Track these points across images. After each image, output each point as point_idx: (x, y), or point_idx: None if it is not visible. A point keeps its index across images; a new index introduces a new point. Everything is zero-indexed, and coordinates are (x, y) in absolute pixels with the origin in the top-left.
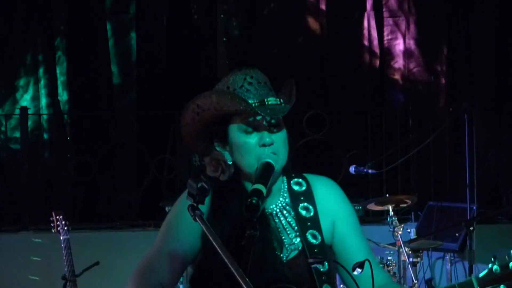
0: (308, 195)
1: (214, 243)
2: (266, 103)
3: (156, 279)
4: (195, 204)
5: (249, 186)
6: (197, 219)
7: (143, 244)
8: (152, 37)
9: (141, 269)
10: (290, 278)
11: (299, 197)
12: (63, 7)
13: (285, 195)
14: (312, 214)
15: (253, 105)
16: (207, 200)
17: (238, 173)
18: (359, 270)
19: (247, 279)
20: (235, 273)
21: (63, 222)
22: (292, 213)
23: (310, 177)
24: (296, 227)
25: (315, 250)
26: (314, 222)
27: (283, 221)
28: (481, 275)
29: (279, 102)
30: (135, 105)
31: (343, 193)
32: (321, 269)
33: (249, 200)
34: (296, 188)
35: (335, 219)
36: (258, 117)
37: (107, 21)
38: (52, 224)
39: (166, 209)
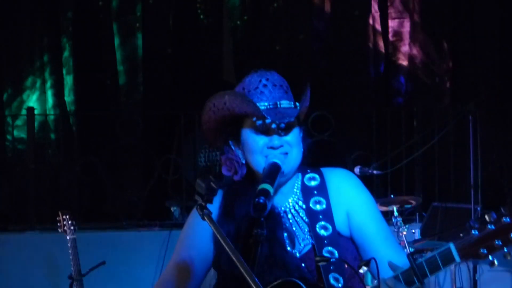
0: (321, 189)
1: (222, 243)
2: (279, 105)
3: (177, 285)
4: (203, 203)
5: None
6: (206, 218)
7: (149, 244)
8: (158, 38)
9: (160, 284)
10: (303, 274)
11: (312, 192)
12: (70, 8)
13: (298, 191)
14: (324, 206)
15: (266, 107)
16: (219, 198)
17: (251, 174)
18: (365, 268)
19: (255, 277)
20: (243, 271)
21: (69, 222)
22: (304, 206)
23: (326, 170)
24: (308, 221)
25: (325, 241)
26: (325, 214)
27: (297, 218)
28: (459, 240)
29: (292, 106)
30: (141, 105)
31: (359, 182)
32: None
33: (256, 199)
34: (309, 183)
35: (349, 209)
36: (267, 121)
37: (114, 22)
38: (58, 224)
39: (172, 209)
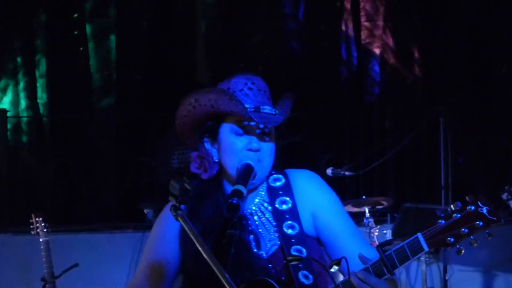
0: (286, 189)
1: (196, 243)
2: (262, 110)
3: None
4: (177, 205)
5: (228, 187)
6: (180, 219)
7: (122, 246)
8: (131, 40)
9: (135, 281)
10: (270, 274)
11: (277, 192)
12: (43, 10)
13: (263, 193)
14: (290, 206)
15: (249, 110)
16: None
17: (220, 173)
18: (335, 267)
19: (229, 278)
20: (217, 272)
21: (42, 224)
22: (270, 208)
23: (290, 171)
24: (274, 223)
25: (292, 240)
26: (292, 214)
27: (262, 218)
28: (426, 230)
29: (274, 113)
30: (114, 107)
31: (323, 182)
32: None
33: (230, 200)
34: (275, 184)
35: (314, 209)
36: (252, 123)
37: (87, 24)
38: (31, 226)
39: (145, 211)
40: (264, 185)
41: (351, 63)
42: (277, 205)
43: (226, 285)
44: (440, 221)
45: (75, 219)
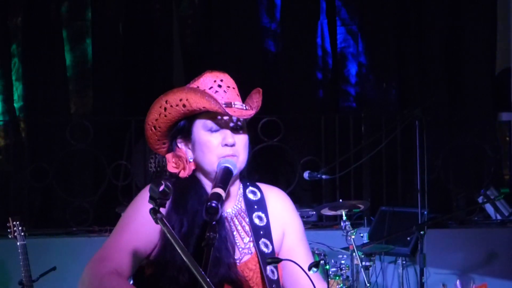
0: (261, 205)
1: (175, 245)
2: (233, 106)
3: (112, 267)
4: (156, 208)
5: (206, 186)
6: (159, 222)
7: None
8: (108, 44)
9: (97, 257)
10: (241, 280)
11: (253, 206)
12: (19, 14)
13: (240, 201)
14: (264, 223)
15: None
16: None
17: (197, 171)
18: (314, 269)
19: (207, 278)
20: (195, 273)
21: (19, 228)
22: (247, 219)
23: (264, 187)
24: (250, 234)
25: (267, 259)
26: (266, 232)
27: (238, 226)
28: None
29: (244, 108)
30: (91, 111)
31: (293, 205)
32: (272, 277)
33: (209, 203)
34: (250, 196)
35: (285, 228)
36: (226, 117)
37: (63, 28)
38: (8, 230)
39: (122, 215)
40: (242, 193)
41: (327, 67)
42: (254, 219)
43: (205, 286)
44: None
45: (52, 222)
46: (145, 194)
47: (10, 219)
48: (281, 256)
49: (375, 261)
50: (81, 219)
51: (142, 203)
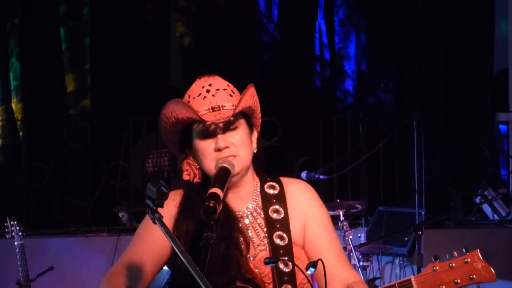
0: (280, 198)
1: (173, 245)
2: (221, 108)
3: (125, 282)
4: (154, 208)
5: None
6: (156, 222)
7: (97, 250)
8: (106, 43)
9: (112, 273)
10: (255, 277)
11: (271, 200)
12: (17, 13)
13: (257, 198)
14: (282, 216)
15: (206, 111)
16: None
17: (207, 176)
18: (312, 269)
19: (205, 280)
20: (194, 274)
21: (17, 228)
22: (263, 214)
23: (285, 180)
24: (265, 229)
25: (280, 251)
26: (283, 224)
27: (253, 224)
28: (420, 274)
29: (233, 107)
30: (89, 111)
31: (316, 195)
32: (285, 270)
33: (206, 204)
34: (269, 191)
35: (306, 220)
36: (209, 123)
37: (61, 27)
38: (6, 230)
39: (120, 215)
40: (259, 190)
41: (324, 68)
42: (269, 213)
43: (202, 285)
44: (433, 267)
45: (49, 222)
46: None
47: (7, 219)
48: (306, 248)
49: (373, 261)
50: (78, 219)
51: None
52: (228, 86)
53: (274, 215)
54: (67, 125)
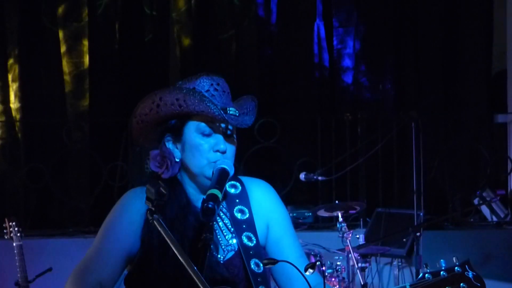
0: (243, 198)
1: (172, 246)
2: (228, 111)
3: (95, 278)
4: (153, 209)
5: (190, 187)
6: (155, 223)
7: None
8: (104, 45)
9: (79, 270)
10: (227, 278)
11: (234, 200)
12: (15, 14)
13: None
14: (247, 216)
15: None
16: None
17: (182, 172)
18: (311, 270)
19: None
20: (193, 275)
21: (16, 229)
22: (228, 214)
23: (246, 179)
24: (232, 229)
25: (251, 252)
26: (249, 225)
27: (220, 223)
28: (413, 282)
29: (237, 114)
30: (87, 112)
31: (278, 196)
32: (257, 271)
33: (205, 204)
34: (231, 190)
35: (269, 221)
36: (223, 124)
37: (59, 29)
38: (5, 231)
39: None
40: None
41: (323, 69)
42: (235, 213)
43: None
44: (427, 276)
45: (48, 223)
46: (124, 200)
47: (6, 219)
48: (267, 249)
49: (371, 263)
50: (77, 219)
51: (122, 209)
52: (229, 90)
53: (239, 215)
54: (65, 126)
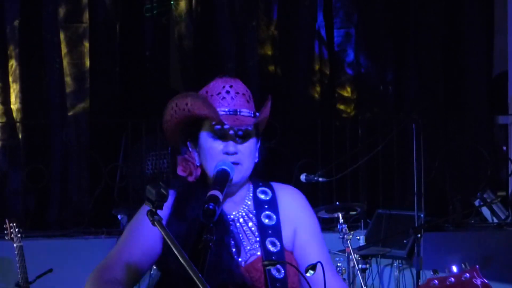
0: (272, 204)
1: (172, 247)
2: (239, 113)
3: (114, 278)
4: (154, 210)
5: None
6: (156, 224)
7: (96, 252)
8: (105, 46)
9: (100, 269)
10: (246, 282)
11: (263, 205)
12: (16, 15)
13: (249, 202)
14: (274, 222)
15: (225, 113)
16: (172, 198)
17: (204, 177)
18: (311, 272)
19: (204, 281)
20: (193, 276)
21: (16, 229)
22: (255, 220)
23: (276, 185)
24: (257, 233)
25: (273, 257)
26: (275, 230)
27: (245, 227)
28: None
29: (252, 115)
30: (88, 113)
31: (307, 202)
32: (277, 276)
33: (206, 206)
34: (261, 196)
35: (297, 226)
36: (226, 126)
37: (60, 30)
38: (5, 232)
39: (118, 216)
40: (251, 195)
41: (324, 70)
42: (262, 218)
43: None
44: (434, 281)
45: (48, 224)
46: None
47: (6, 220)
48: (295, 254)
49: (372, 264)
50: (77, 220)
51: (144, 215)
52: (247, 91)
53: (266, 221)
54: (66, 127)
